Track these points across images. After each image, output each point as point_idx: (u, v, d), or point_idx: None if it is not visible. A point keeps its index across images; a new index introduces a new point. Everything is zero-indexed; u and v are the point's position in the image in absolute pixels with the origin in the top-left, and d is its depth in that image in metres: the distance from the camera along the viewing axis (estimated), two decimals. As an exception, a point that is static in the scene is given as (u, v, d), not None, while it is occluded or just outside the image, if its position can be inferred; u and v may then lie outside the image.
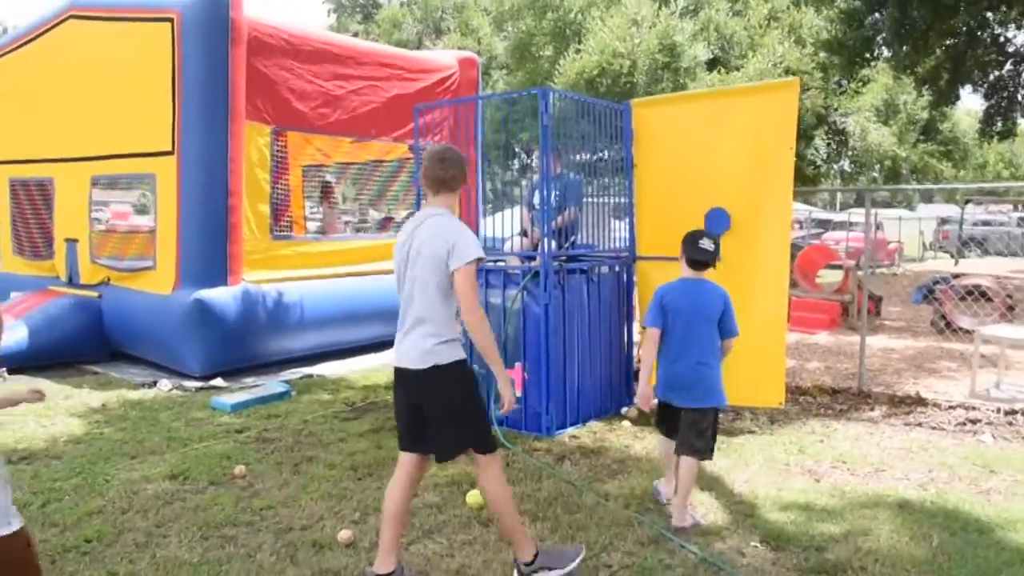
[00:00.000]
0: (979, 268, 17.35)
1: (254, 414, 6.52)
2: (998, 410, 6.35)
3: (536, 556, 3.51)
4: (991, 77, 17.15)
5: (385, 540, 3.52)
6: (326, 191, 10.03)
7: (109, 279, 8.69)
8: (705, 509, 4.44)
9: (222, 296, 7.67)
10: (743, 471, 5.08)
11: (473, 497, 4.47)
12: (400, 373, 3.51)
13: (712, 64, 22.42)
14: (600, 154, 6.83)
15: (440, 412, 3.43)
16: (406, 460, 3.56)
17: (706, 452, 4.27)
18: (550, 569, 3.50)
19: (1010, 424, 6.09)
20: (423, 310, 3.43)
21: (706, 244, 4.30)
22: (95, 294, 8.66)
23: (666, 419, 4.41)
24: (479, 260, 3.38)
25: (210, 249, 7.80)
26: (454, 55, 10.66)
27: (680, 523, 4.12)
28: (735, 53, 22.87)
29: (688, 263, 4.35)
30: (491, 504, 3.53)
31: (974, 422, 6.17)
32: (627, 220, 6.87)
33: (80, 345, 8.39)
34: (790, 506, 4.46)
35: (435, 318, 3.42)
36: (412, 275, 3.47)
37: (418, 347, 3.41)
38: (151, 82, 8.02)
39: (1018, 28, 16.43)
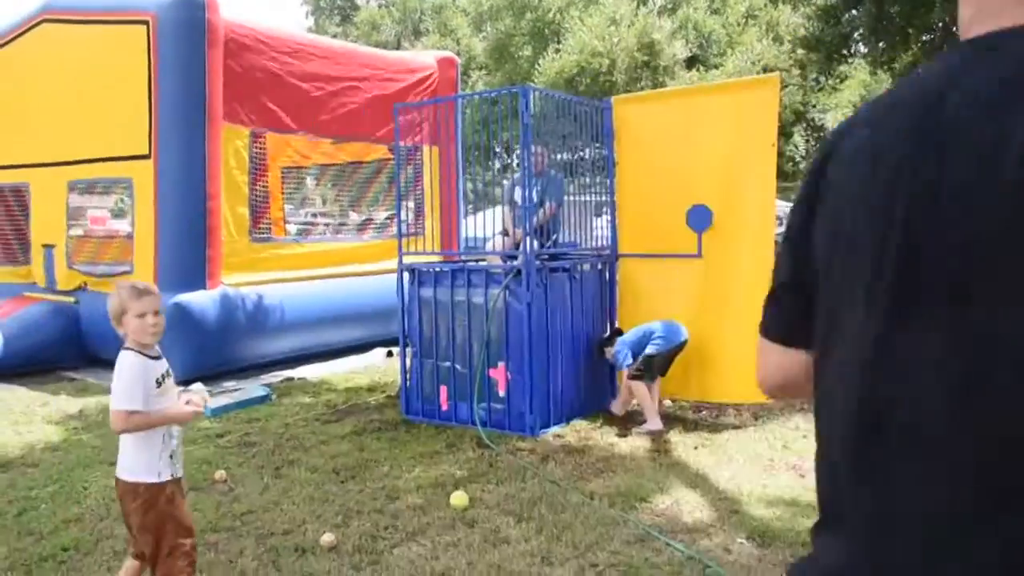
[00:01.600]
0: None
1: (234, 418, 6.45)
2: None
3: None
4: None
5: None
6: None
7: (86, 284, 8.58)
8: (691, 507, 4.43)
9: (201, 300, 7.59)
10: (727, 467, 5.07)
11: (457, 498, 4.44)
12: None
13: (691, 62, 22.52)
14: (581, 152, 6.82)
15: None
16: None
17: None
18: None
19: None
20: None
21: None
22: (72, 299, 8.55)
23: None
24: None
25: (188, 252, 7.72)
26: (433, 55, 10.62)
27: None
28: (714, 51, 23.00)
29: None
30: None
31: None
32: (608, 217, 6.86)
33: (57, 351, 8.28)
34: (775, 502, 4.46)
35: None
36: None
37: None
38: (127, 85, 7.94)
39: (993, 24, 16.55)
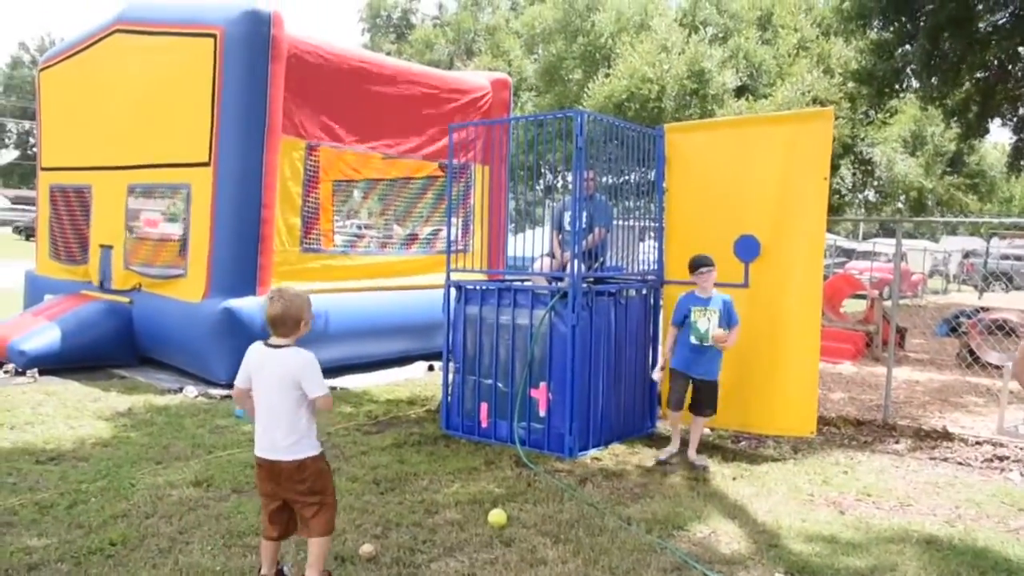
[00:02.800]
0: (1004, 302, 17.16)
1: (278, 424, 6.54)
2: (1026, 448, 6.28)
3: None
4: (1021, 111, 17.06)
5: None
6: None
7: (140, 285, 8.81)
8: (728, 537, 4.42)
9: (251, 306, 7.75)
10: (766, 500, 5.05)
11: (495, 516, 4.48)
12: None
13: (740, 91, 22.47)
14: (629, 177, 6.86)
15: None
16: None
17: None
18: None
19: (1038, 463, 6.02)
20: None
21: None
22: (126, 300, 8.79)
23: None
24: None
25: (241, 259, 7.90)
26: (487, 76, 10.75)
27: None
28: (763, 81, 22.92)
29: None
30: None
31: (1002, 459, 6.10)
32: (655, 243, 6.89)
33: (110, 349, 8.52)
34: (814, 537, 4.43)
35: None
36: None
37: None
38: (192, 95, 8.18)
39: (1051, 64, 16.33)
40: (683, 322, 5.91)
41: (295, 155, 8.25)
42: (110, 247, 9.26)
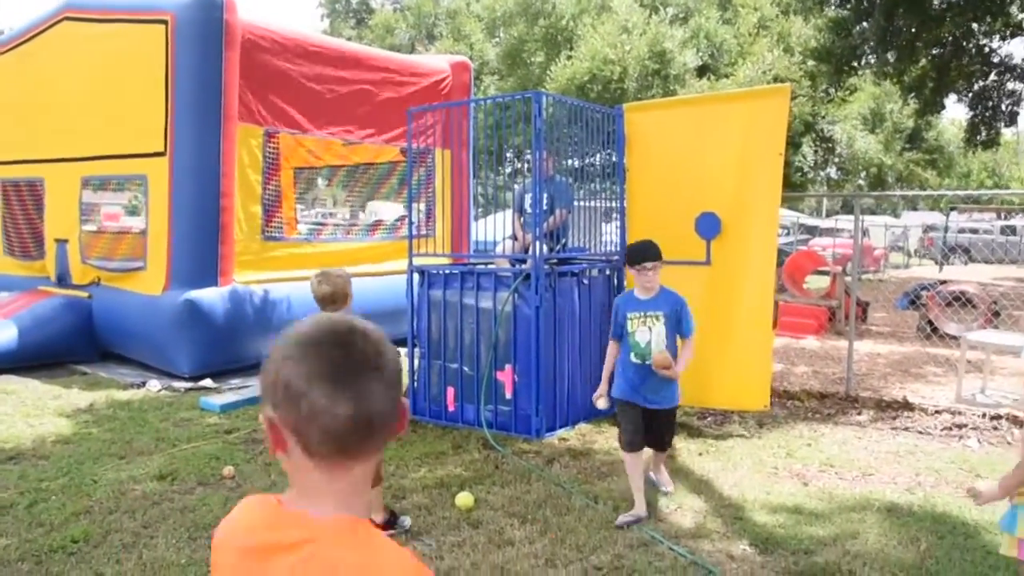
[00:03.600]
0: (963, 275, 17.50)
1: (243, 415, 6.51)
2: (983, 415, 6.41)
3: None
4: (975, 87, 17.34)
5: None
6: None
7: (99, 279, 8.66)
8: (694, 512, 4.46)
9: (212, 297, 7.66)
10: (732, 474, 5.11)
11: (463, 499, 4.49)
12: None
13: (702, 71, 22.56)
14: (591, 158, 6.86)
15: None
16: None
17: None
18: None
19: (995, 429, 6.15)
20: None
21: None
22: (85, 294, 8.63)
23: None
24: None
25: (201, 250, 7.79)
26: (447, 59, 10.69)
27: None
28: (724, 60, 23.03)
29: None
30: None
31: (960, 427, 6.22)
32: (617, 223, 6.90)
33: (69, 345, 8.36)
34: (778, 509, 4.49)
35: None
36: None
37: None
38: (144, 83, 8.02)
39: (1002, 39, 16.61)
40: (622, 335, 4.53)
41: (253, 142, 8.14)
42: (65, 241, 9.09)
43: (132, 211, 11.35)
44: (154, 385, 7.49)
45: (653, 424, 4.49)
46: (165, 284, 7.85)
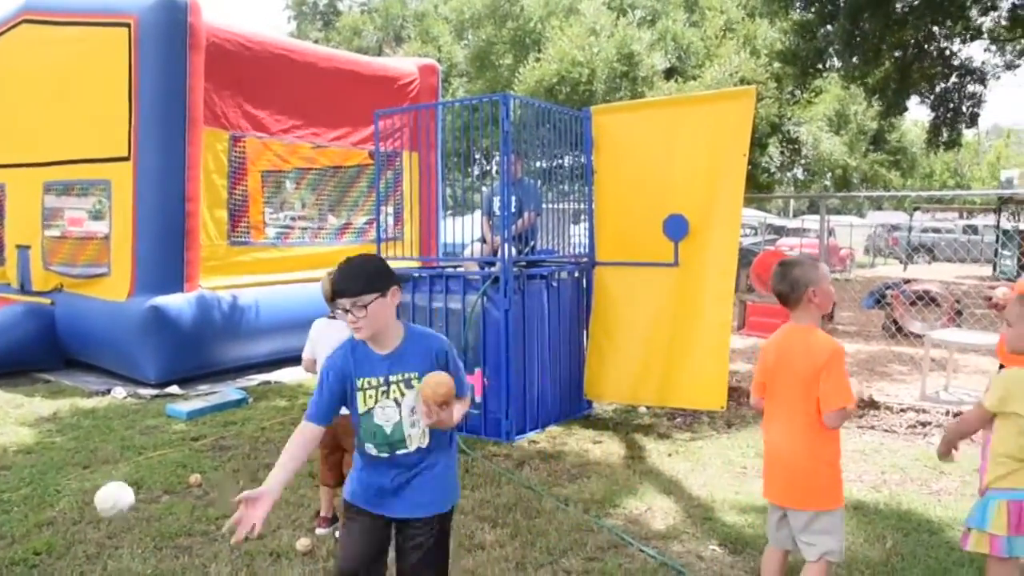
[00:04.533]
0: (927, 274, 17.77)
1: (210, 422, 6.44)
2: (947, 412, 6.51)
3: None
4: (937, 89, 17.64)
5: None
6: None
7: (62, 286, 8.51)
8: (664, 513, 4.49)
9: (178, 302, 7.56)
10: (701, 474, 5.14)
11: None
12: None
13: (669, 73, 22.70)
14: (560, 160, 6.87)
15: None
16: None
17: None
18: None
19: (958, 426, 6.24)
20: None
21: None
22: (47, 301, 8.49)
23: None
24: None
25: (166, 255, 7.69)
26: (414, 62, 10.65)
27: None
28: (692, 63, 23.19)
29: None
30: None
31: (924, 424, 6.31)
32: (586, 225, 6.92)
33: (32, 353, 8.19)
34: (748, 509, 4.53)
35: None
36: None
37: None
38: (107, 87, 7.90)
39: (963, 42, 16.92)
40: (332, 415, 2.66)
41: (219, 147, 8.05)
42: (27, 247, 8.93)
43: (96, 216, 11.16)
44: (119, 392, 7.38)
45: (402, 549, 2.74)
46: (130, 290, 7.74)
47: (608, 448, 5.73)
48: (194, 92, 7.69)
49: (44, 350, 8.29)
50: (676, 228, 6.18)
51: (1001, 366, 3.58)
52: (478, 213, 7.39)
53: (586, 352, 6.69)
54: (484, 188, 7.91)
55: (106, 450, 5.63)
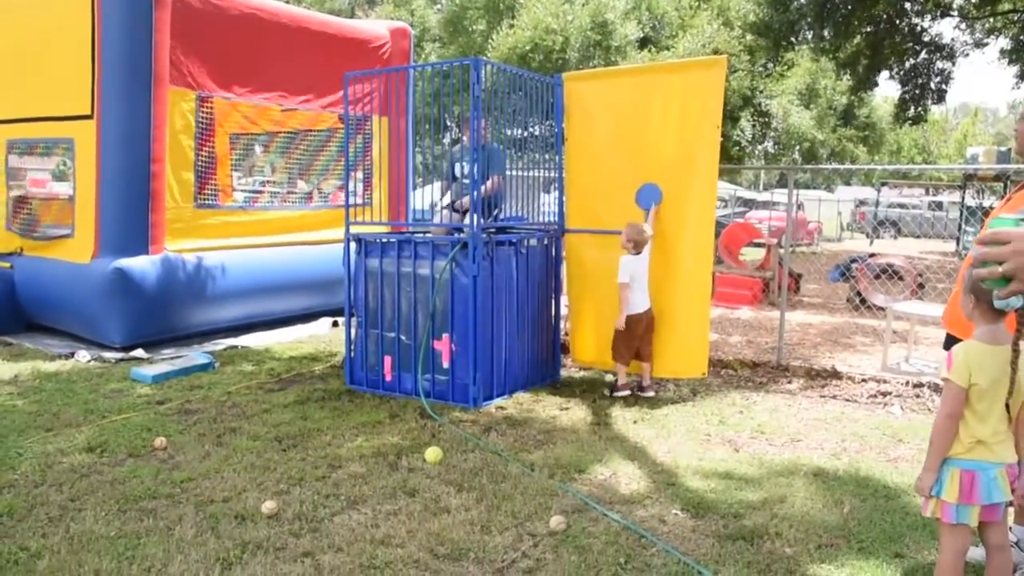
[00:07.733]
0: (892, 249, 18.02)
1: (176, 385, 6.39)
2: (907, 383, 6.63)
3: None
4: (907, 65, 17.80)
5: None
6: None
7: (22, 249, 8.34)
8: (628, 478, 4.54)
9: (143, 265, 7.46)
10: (665, 441, 5.20)
11: (431, 453, 4.65)
12: None
13: (643, 43, 22.64)
14: (532, 127, 6.84)
15: None
16: None
17: None
18: None
19: (917, 396, 6.38)
20: None
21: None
22: (7, 264, 8.32)
23: None
24: None
25: (131, 217, 7.56)
26: (386, 25, 10.49)
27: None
28: (665, 33, 23.14)
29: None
30: None
31: (884, 394, 6.43)
32: (556, 194, 6.92)
33: (-10, 316, 8.05)
34: (710, 475, 4.60)
35: None
36: None
37: None
38: (70, 44, 7.69)
39: (933, 19, 17.05)
40: None
41: (185, 106, 7.90)
42: (-12, 207, 8.74)
43: (59, 177, 10.94)
44: (83, 356, 7.29)
45: None
46: (94, 252, 7.61)
47: (575, 415, 5.78)
48: (159, 49, 7.52)
49: (3, 314, 8.13)
50: (649, 197, 6.21)
51: (948, 337, 3.63)
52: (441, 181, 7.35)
53: (569, 319, 6.76)
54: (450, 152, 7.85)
55: (69, 413, 5.57)
